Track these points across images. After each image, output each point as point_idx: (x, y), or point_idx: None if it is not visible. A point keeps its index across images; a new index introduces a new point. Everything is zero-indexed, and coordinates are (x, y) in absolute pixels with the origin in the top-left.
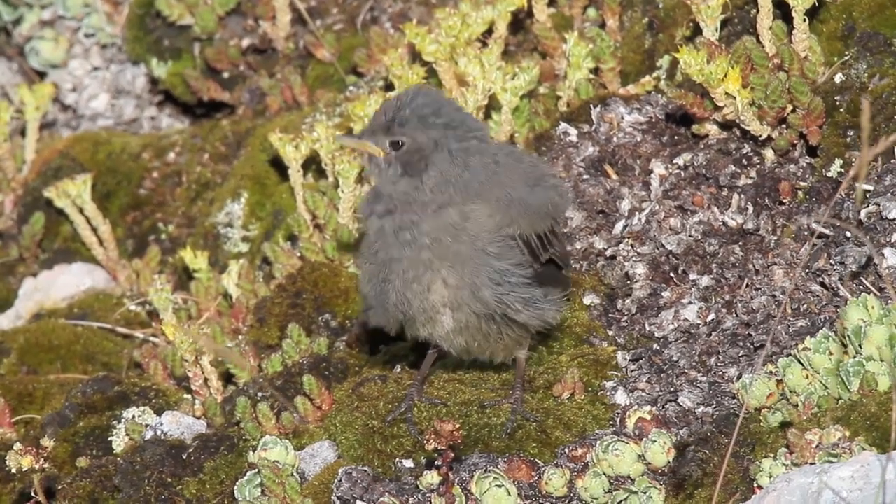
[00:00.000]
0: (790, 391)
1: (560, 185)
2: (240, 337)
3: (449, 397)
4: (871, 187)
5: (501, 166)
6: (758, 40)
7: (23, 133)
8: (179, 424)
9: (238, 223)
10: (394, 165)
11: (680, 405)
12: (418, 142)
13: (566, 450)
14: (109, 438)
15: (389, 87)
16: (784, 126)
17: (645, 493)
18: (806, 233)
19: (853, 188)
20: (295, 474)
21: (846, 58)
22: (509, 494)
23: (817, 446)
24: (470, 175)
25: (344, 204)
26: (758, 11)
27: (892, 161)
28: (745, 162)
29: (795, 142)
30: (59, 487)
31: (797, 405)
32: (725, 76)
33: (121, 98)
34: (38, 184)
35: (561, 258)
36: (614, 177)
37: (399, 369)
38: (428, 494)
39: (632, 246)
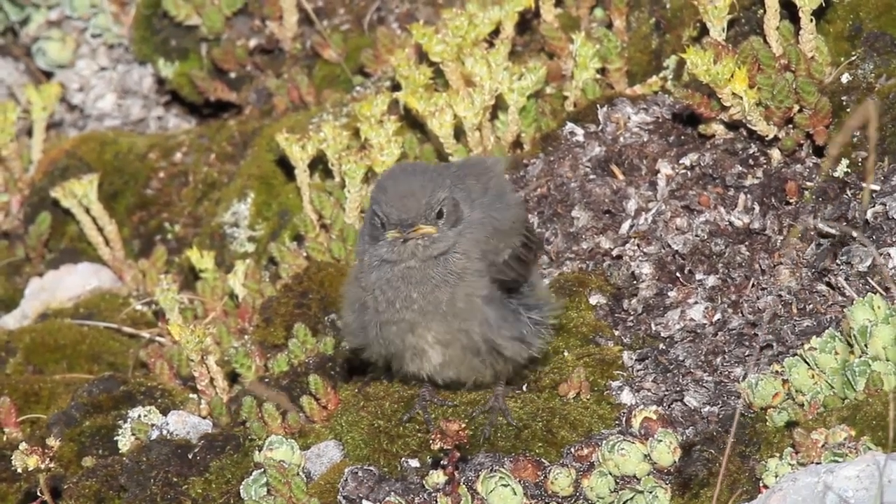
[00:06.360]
0: (796, 391)
1: (516, 193)
2: (245, 337)
3: (455, 397)
4: (877, 187)
5: (486, 194)
6: (765, 40)
7: (29, 133)
8: (185, 424)
9: (244, 223)
10: (446, 226)
11: (686, 405)
12: (453, 198)
13: (572, 449)
14: (115, 438)
15: (396, 87)
16: (791, 126)
17: (651, 492)
18: (812, 233)
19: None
20: (301, 474)
21: (853, 58)
22: (515, 494)
23: (823, 446)
24: (472, 214)
25: (350, 204)
26: (765, 12)
27: None
28: (751, 162)
29: (802, 142)
30: (65, 487)
31: (803, 405)
32: (732, 76)
33: (127, 98)
34: (45, 184)
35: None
36: (621, 177)
37: None
38: (434, 494)
39: (638, 246)
